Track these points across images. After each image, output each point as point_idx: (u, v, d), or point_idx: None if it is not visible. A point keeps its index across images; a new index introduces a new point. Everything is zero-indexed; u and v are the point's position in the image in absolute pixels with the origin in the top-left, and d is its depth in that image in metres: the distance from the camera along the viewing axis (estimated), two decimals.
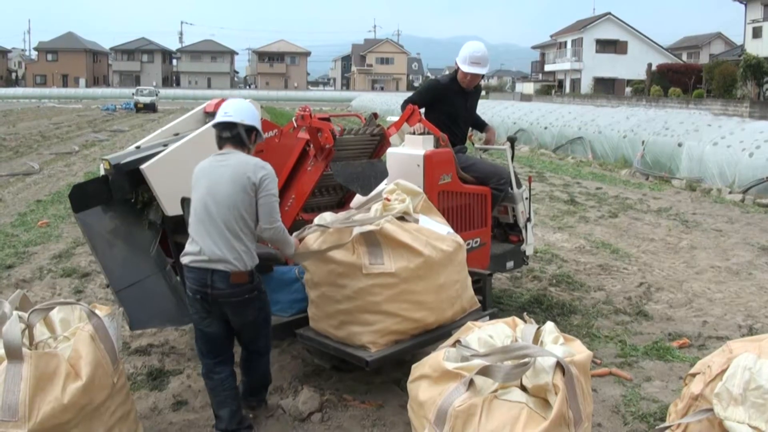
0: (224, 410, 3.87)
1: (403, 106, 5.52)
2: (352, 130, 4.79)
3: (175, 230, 4.98)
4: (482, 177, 5.65)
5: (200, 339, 3.96)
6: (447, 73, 5.91)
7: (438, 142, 5.31)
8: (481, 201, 5.57)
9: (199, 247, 3.74)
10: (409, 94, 6.10)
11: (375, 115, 5.06)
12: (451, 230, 4.58)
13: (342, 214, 4.55)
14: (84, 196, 4.87)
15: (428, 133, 5.28)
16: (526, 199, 6.03)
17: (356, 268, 4.14)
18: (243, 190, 3.71)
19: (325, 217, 4.49)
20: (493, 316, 4.65)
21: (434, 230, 4.40)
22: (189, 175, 4.79)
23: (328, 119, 4.54)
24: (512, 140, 6.13)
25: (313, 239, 4.25)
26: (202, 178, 3.84)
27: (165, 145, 4.95)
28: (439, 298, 4.32)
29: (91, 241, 4.89)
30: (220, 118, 3.91)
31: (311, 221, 4.88)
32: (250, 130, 3.95)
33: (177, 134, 5.37)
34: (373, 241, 4.17)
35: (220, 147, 3.93)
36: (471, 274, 4.90)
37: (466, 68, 5.72)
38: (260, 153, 5.16)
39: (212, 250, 3.69)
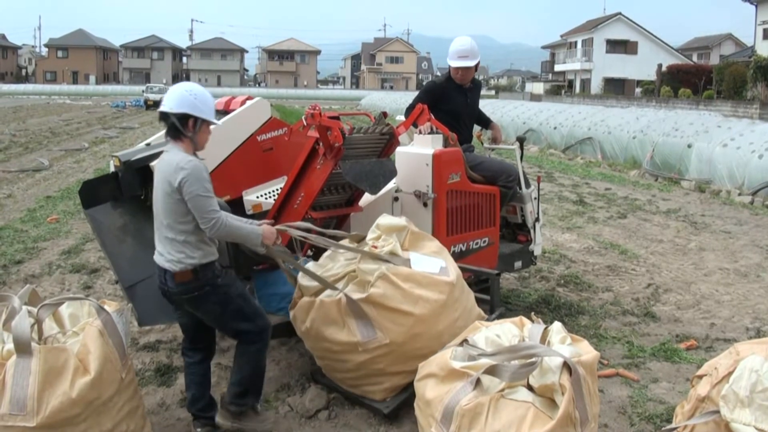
0: (189, 392, 4.03)
1: (407, 112, 5.56)
2: (362, 129, 4.79)
3: None
4: (490, 175, 5.66)
5: (179, 324, 4.15)
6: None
7: (447, 141, 5.32)
8: (490, 200, 5.56)
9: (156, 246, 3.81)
10: (418, 93, 6.13)
11: (384, 114, 5.06)
12: (444, 262, 4.28)
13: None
14: (94, 193, 4.91)
15: (437, 132, 5.29)
16: (535, 198, 6.03)
17: (352, 346, 4.09)
18: (168, 194, 3.57)
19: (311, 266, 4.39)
20: (500, 316, 4.65)
21: (425, 272, 4.16)
22: None
23: (337, 118, 4.54)
24: (521, 140, 6.13)
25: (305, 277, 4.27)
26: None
27: None
28: (443, 342, 4.07)
29: (100, 238, 4.92)
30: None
31: (320, 219, 4.90)
32: (184, 118, 3.57)
33: None
34: (361, 313, 4.03)
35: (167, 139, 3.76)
36: (479, 273, 4.89)
37: (454, 63, 5.82)
38: (270, 151, 5.20)
39: (159, 251, 3.75)
